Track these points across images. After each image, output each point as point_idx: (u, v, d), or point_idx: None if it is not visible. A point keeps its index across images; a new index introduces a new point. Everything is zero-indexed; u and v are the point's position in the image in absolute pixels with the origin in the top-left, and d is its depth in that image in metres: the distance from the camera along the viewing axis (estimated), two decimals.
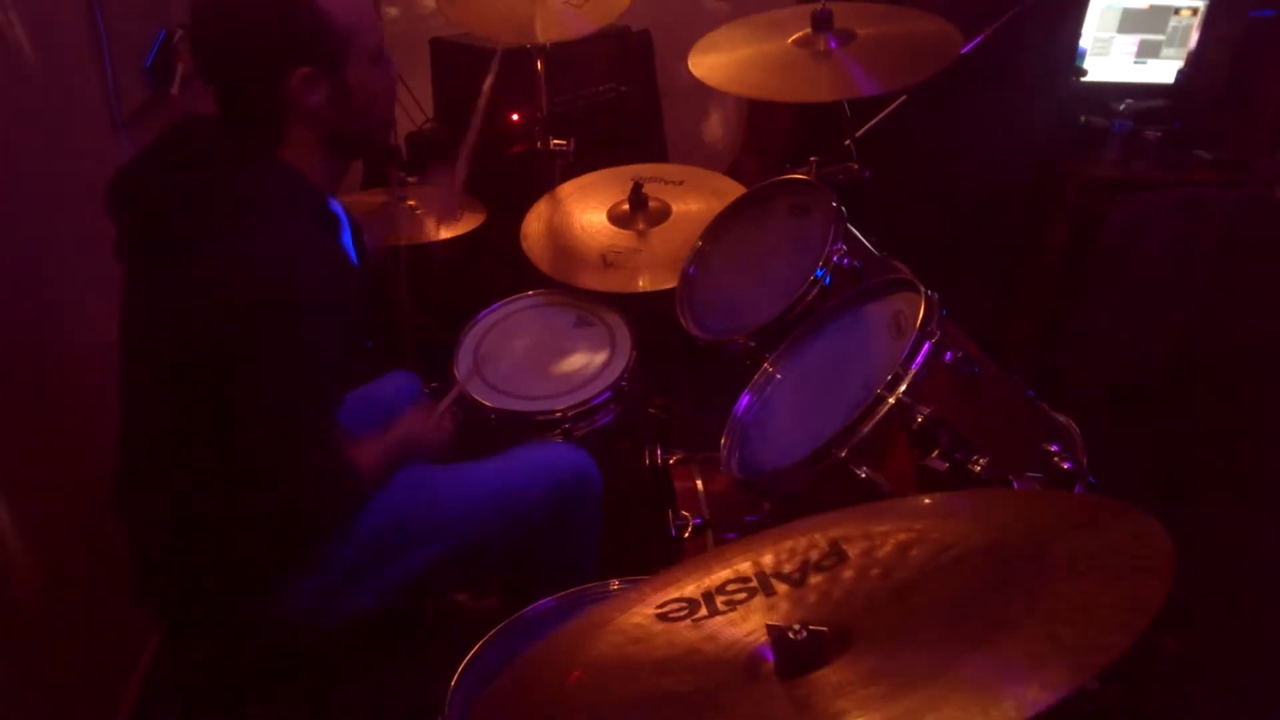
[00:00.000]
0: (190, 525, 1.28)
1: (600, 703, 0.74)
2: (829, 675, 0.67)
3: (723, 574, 0.85)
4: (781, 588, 0.80)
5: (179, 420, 1.25)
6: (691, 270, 1.79)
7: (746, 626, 0.77)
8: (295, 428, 1.23)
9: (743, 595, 0.81)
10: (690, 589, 0.84)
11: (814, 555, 0.83)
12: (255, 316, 1.17)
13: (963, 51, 1.78)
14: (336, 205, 1.34)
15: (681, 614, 0.81)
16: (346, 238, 1.36)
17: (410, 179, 2.26)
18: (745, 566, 0.85)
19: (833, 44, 1.78)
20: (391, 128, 1.39)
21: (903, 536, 0.81)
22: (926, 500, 0.88)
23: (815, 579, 0.80)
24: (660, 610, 0.83)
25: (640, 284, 1.91)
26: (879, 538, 0.82)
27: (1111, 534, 0.70)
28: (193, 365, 1.20)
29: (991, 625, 0.64)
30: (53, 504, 1.62)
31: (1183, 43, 2.59)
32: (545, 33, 2.03)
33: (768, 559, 0.84)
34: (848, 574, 0.79)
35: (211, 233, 1.19)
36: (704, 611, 0.81)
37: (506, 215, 2.17)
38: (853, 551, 0.81)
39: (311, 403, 1.25)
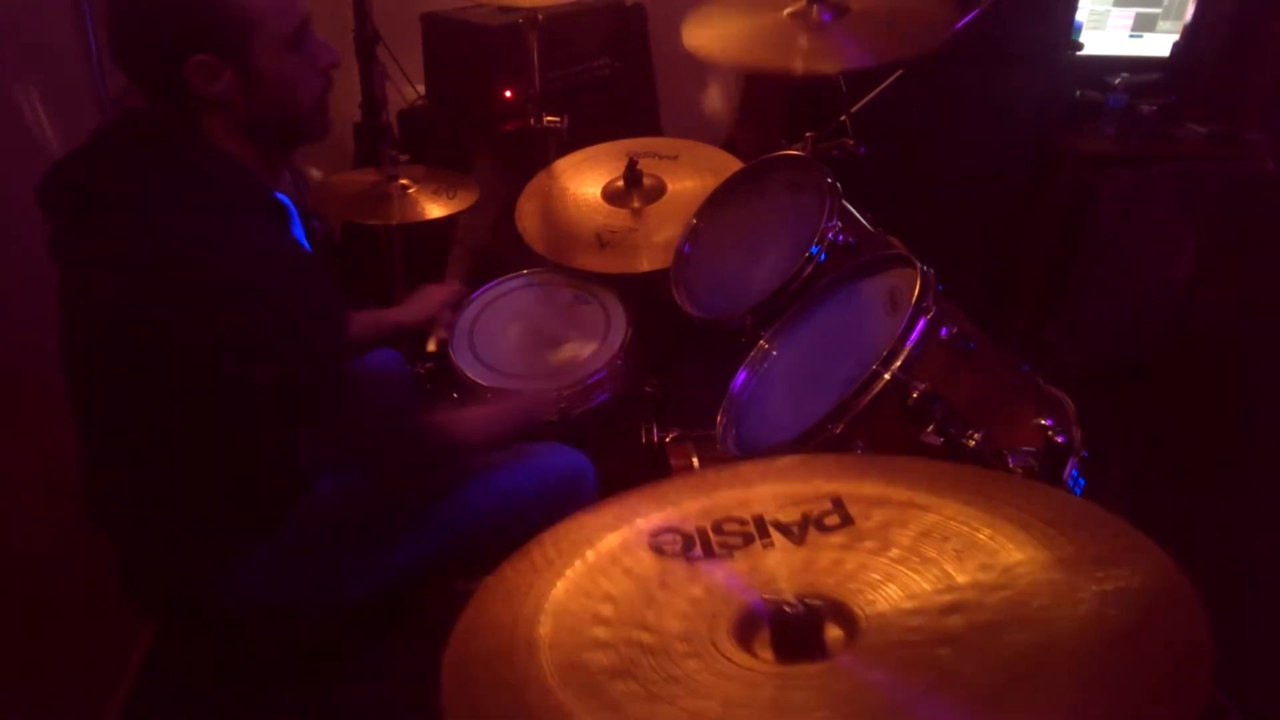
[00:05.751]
0: (166, 520, 1.28)
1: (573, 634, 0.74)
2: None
3: (720, 501, 0.85)
4: (780, 539, 0.80)
5: (137, 422, 1.24)
6: (687, 248, 1.78)
7: (740, 570, 0.77)
8: (300, 400, 1.21)
9: (739, 540, 0.81)
10: (689, 516, 0.84)
11: (814, 511, 0.82)
12: (203, 314, 1.12)
13: (958, 26, 1.76)
14: (282, 195, 1.28)
15: (675, 548, 0.81)
16: (297, 228, 1.32)
17: (402, 157, 2.24)
18: (743, 510, 0.84)
19: (826, 17, 1.76)
20: (323, 113, 1.28)
21: (897, 512, 0.80)
22: (934, 470, 0.86)
23: (814, 536, 0.80)
24: (654, 541, 0.82)
25: (643, 265, 1.89)
26: (879, 503, 0.81)
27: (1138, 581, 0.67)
28: (144, 363, 1.17)
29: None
30: (46, 499, 1.62)
31: (1179, 16, 2.58)
32: None
33: (769, 503, 0.84)
34: (848, 539, 0.78)
35: (145, 225, 1.14)
36: (699, 550, 0.80)
37: (500, 193, 2.16)
38: (857, 517, 0.81)
39: (306, 377, 1.21)
